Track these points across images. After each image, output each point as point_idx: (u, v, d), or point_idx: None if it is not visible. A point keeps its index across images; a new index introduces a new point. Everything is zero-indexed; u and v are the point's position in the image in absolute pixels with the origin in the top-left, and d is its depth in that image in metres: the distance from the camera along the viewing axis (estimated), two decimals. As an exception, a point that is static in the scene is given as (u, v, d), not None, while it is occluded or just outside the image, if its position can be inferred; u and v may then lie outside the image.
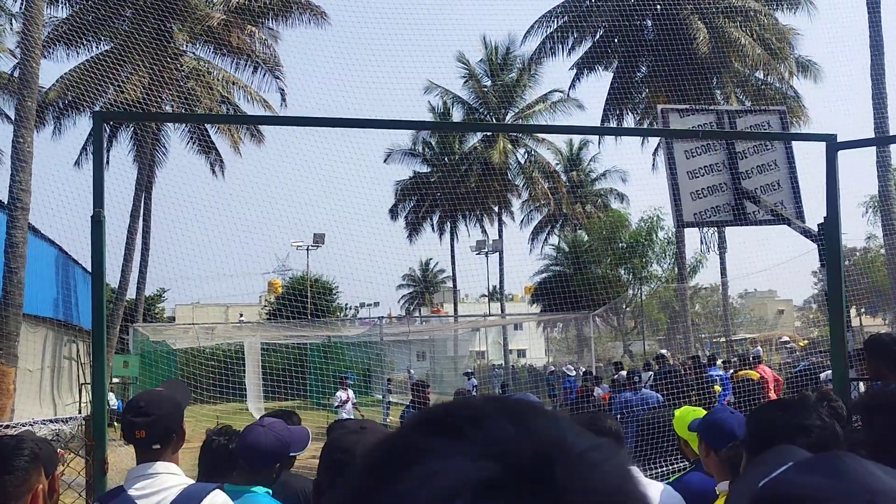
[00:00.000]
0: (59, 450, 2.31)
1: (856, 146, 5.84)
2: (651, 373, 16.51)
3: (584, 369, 20.79)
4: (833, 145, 5.54)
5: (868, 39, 17.23)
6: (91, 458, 4.15)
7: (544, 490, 0.50)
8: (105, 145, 23.90)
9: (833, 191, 5.43)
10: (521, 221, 38.88)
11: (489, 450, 0.52)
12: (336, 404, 15.84)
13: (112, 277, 21.48)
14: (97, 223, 4.38)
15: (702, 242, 9.58)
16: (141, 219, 22.36)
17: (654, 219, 29.83)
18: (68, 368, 21.24)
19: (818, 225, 7.21)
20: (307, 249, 29.74)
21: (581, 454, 0.53)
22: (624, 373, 16.12)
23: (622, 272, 31.60)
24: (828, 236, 5.56)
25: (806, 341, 19.38)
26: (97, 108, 20.40)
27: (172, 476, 2.56)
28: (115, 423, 10.88)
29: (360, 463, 0.57)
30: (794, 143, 9.04)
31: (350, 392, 16.20)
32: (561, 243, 36.49)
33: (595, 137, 33.30)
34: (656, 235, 30.47)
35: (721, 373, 16.15)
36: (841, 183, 5.72)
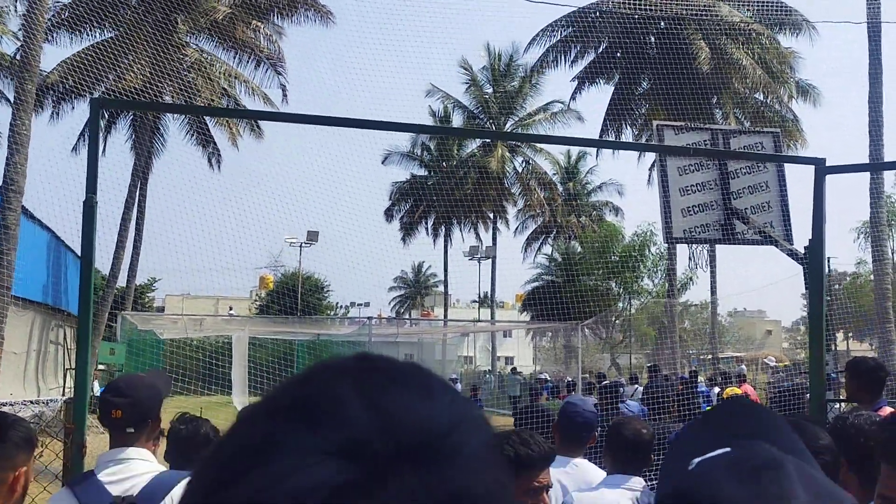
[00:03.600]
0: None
1: (844, 171, 5.91)
2: (637, 386, 16.59)
3: (569, 379, 20.87)
4: (821, 169, 5.61)
5: (867, 67, 17.38)
6: (70, 441, 4.15)
7: (405, 488, 0.46)
8: (102, 132, 23.91)
9: (819, 214, 5.50)
10: (516, 229, 38.95)
11: (346, 444, 0.47)
12: None
13: (103, 264, 21.42)
14: (89, 208, 4.42)
15: (690, 259, 9.72)
16: (135, 207, 22.32)
17: (648, 233, 29.96)
18: (54, 353, 21.17)
19: (804, 247, 7.29)
20: (300, 246, 29.77)
21: (448, 441, 0.49)
22: (607, 383, 16.25)
23: (613, 285, 31.69)
24: (811, 259, 5.63)
25: (785, 362, 19.46)
26: (96, 95, 20.38)
27: (144, 462, 2.52)
28: (98, 410, 10.87)
29: (211, 455, 0.52)
30: (786, 165, 9.11)
31: None
32: (554, 253, 36.58)
33: (593, 150, 33.48)
34: (649, 250, 30.58)
35: (704, 389, 16.27)
36: (835, 208, 5.81)
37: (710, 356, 26.72)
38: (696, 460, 0.71)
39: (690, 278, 30.05)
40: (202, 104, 21.25)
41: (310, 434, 0.48)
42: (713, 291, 26.61)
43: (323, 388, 0.52)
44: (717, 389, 15.90)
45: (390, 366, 0.54)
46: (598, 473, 3.47)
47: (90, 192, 4.48)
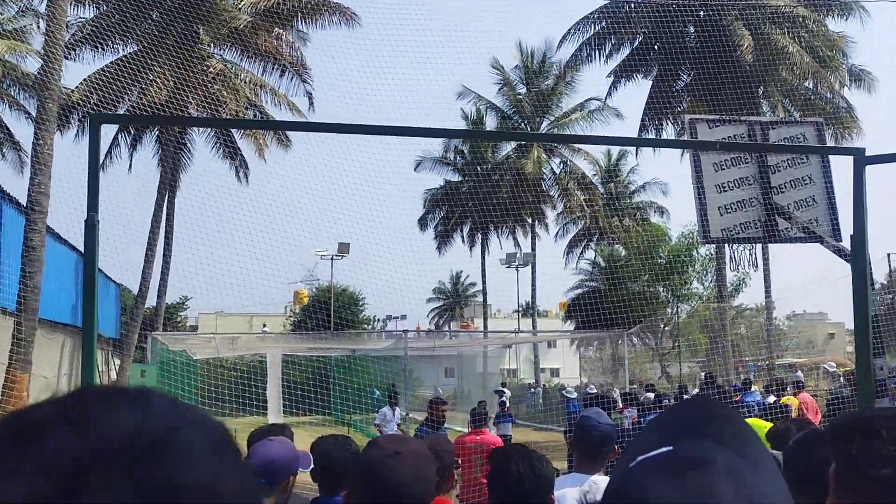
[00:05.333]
0: None
1: (886, 161, 5.13)
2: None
3: (617, 391, 19.98)
4: (861, 160, 4.91)
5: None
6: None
7: (107, 488, 0.48)
8: (128, 149, 23.87)
9: (860, 207, 4.71)
10: (556, 234, 37.68)
11: (44, 460, 0.48)
12: (377, 422, 15.43)
13: (132, 283, 21.29)
14: (90, 227, 4.62)
15: (731, 260, 9.02)
16: (163, 224, 22.11)
17: (695, 234, 28.66)
18: (88, 375, 21.05)
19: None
20: (331, 259, 29.31)
21: (155, 442, 0.51)
22: (651, 395, 15.38)
23: (661, 289, 30.43)
24: (854, 256, 4.87)
25: (848, 367, 18.06)
26: (121, 111, 20.25)
27: None
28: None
29: None
30: (833, 157, 8.34)
31: (397, 409, 15.83)
32: (597, 258, 35.36)
33: (633, 148, 32.29)
34: (697, 251, 29.30)
35: (758, 398, 15.21)
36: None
37: (766, 362, 25.35)
38: (640, 458, 0.73)
39: (743, 280, 28.68)
40: (228, 115, 20.94)
41: (14, 461, 0.49)
42: (767, 293, 25.30)
43: (27, 419, 0.53)
44: (772, 398, 14.83)
45: (104, 390, 0.56)
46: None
47: (91, 210, 4.58)
